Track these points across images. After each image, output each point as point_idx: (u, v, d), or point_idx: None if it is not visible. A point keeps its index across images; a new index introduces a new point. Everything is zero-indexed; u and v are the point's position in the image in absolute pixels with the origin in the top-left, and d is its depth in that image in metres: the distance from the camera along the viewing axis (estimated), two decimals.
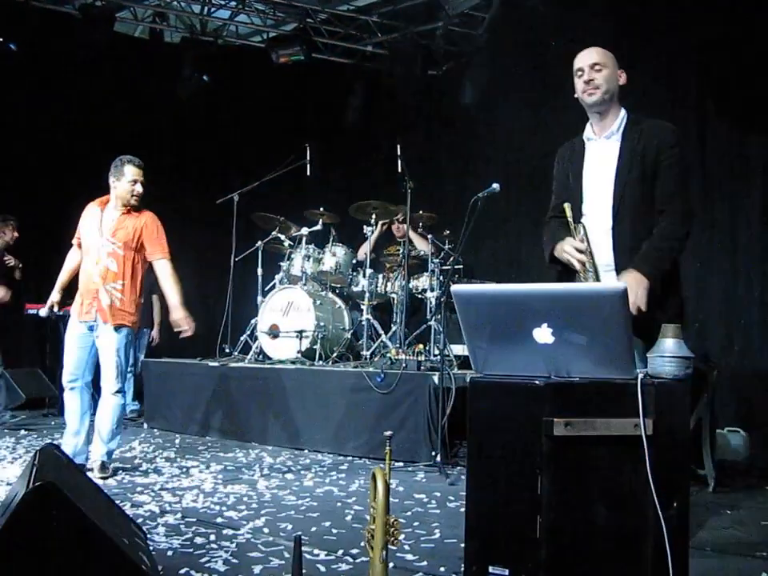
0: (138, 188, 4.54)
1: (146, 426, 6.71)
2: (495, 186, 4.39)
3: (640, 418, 2.10)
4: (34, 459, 2.46)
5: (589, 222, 3.07)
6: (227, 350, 6.81)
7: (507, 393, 2.20)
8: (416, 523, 3.42)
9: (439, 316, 5.77)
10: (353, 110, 8.71)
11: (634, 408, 2.11)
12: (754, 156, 5.98)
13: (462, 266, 6.64)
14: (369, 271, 6.56)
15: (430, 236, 6.54)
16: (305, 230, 6.90)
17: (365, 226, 6.66)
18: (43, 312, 4.74)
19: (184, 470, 4.70)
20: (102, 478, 4.27)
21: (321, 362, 6.17)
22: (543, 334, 2.18)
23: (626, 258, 2.98)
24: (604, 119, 3.13)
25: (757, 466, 4.91)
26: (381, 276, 6.74)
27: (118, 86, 8.09)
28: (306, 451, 5.53)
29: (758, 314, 5.91)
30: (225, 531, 3.22)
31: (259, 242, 7.00)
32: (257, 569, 2.72)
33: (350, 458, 5.28)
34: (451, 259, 6.37)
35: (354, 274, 6.81)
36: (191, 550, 2.94)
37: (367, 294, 6.50)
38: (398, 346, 5.99)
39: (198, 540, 3.08)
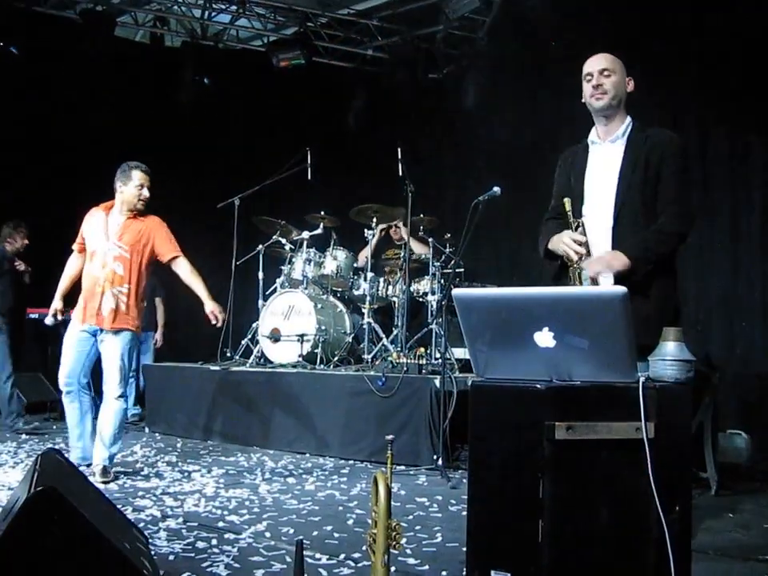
0: (145, 192, 4.58)
1: (147, 430, 6.71)
2: (496, 189, 4.39)
3: (642, 421, 2.10)
4: (35, 464, 2.45)
5: (588, 222, 3.08)
6: (228, 354, 6.80)
7: (509, 397, 2.20)
8: (418, 527, 3.42)
9: (440, 319, 5.77)
10: (353, 113, 8.72)
11: (635, 411, 2.11)
12: (755, 156, 5.99)
13: (463, 270, 6.64)
14: (370, 275, 6.56)
15: (431, 239, 6.54)
16: (306, 234, 6.91)
17: (366, 230, 6.66)
18: (48, 320, 4.74)
19: (185, 474, 4.70)
20: (103, 482, 4.27)
21: (322, 366, 6.17)
22: (544, 338, 2.18)
23: None
24: (610, 124, 3.15)
25: (759, 468, 4.90)
26: (382, 279, 6.74)
27: (118, 90, 8.10)
28: (308, 455, 5.52)
29: (760, 316, 5.91)
30: (226, 535, 3.22)
31: (260, 246, 7.01)
32: (258, 573, 2.72)
33: (351, 462, 5.27)
34: (452, 262, 6.37)
35: (355, 277, 6.81)
36: (193, 555, 2.94)
37: (368, 298, 6.50)
38: (399, 349, 6.00)
39: (200, 544, 3.08)
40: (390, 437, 2.23)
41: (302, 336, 6.22)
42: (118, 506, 3.05)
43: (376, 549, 2.10)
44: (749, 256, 6.02)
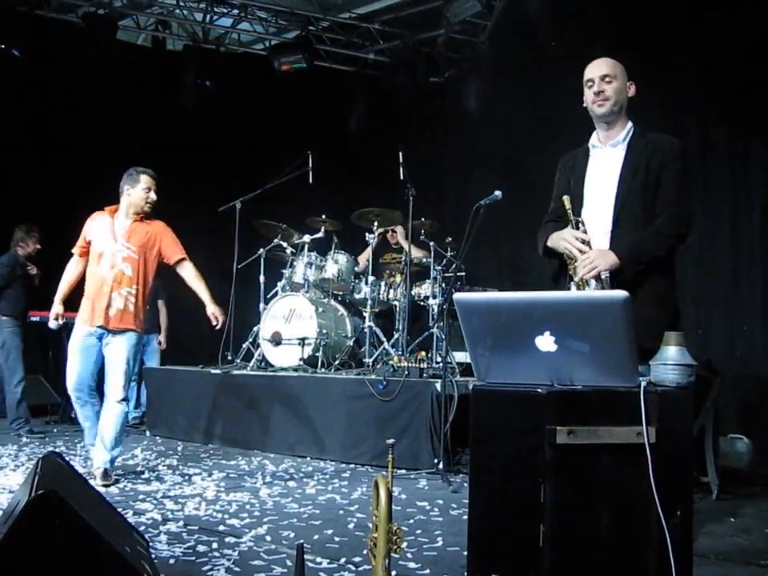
0: (152, 195, 4.63)
1: (148, 433, 6.71)
2: (497, 193, 4.38)
3: (643, 425, 2.10)
4: (36, 467, 2.45)
5: (587, 225, 3.07)
6: (230, 358, 6.80)
7: (510, 401, 2.20)
8: (418, 531, 3.41)
9: (441, 323, 5.77)
10: (355, 117, 8.74)
11: (636, 416, 2.10)
12: (755, 156, 6.00)
13: (464, 274, 6.64)
14: (371, 278, 6.57)
15: (432, 243, 6.55)
16: (307, 238, 6.92)
17: (367, 234, 6.67)
18: (53, 324, 4.75)
19: (186, 477, 4.70)
20: (104, 485, 4.27)
21: (323, 370, 6.17)
22: (545, 342, 2.18)
23: None
24: (611, 129, 3.16)
25: (760, 472, 4.89)
26: (383, 283, 6.74)
27: (120, 94, 8.11)
28: (309, 459, 5.52)
29: (760, 316, 5.91)
30: (227, 539, 3.22)
31: (261, 250, 7.02)
32: None
33: (352, 466, 5.27)
34: (453, 266, 6.37)
35: (356, 281, 6.82)
36: (193, 558, 2.93)
37: (369, 302, 6.50)
38: (400, 353, 5.99)
39: (200, 548, 3.07)
40: (390, 440, 2.23)
41: (303, 339, 6.23)
42: (119, 510, 3.05)
43: (377, 553, 2.10)
44: (749, 256, 6.02)
